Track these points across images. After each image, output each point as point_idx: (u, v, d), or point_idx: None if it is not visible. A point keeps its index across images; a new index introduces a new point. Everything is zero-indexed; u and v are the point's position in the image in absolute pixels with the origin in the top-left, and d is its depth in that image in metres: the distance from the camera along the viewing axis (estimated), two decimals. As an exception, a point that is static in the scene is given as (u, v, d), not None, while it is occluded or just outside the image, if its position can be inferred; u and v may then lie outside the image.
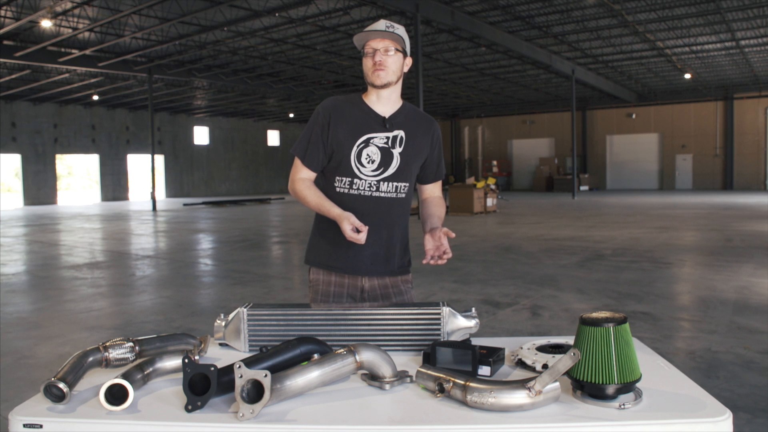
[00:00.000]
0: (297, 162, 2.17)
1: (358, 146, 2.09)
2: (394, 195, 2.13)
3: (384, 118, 2.12)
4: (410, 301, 2.25)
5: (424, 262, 2.06)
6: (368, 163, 2.10)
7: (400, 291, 2.22)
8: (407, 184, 2.16)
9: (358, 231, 1.98)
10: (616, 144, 34.40)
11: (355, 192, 2.10)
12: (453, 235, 2.05)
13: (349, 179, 2.10)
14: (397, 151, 2.11)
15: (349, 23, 17.16)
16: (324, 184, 2.18)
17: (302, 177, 2.15)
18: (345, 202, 2.09)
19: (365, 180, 2.10)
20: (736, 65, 24.65)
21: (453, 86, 28.72)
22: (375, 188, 2.11)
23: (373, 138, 2.10)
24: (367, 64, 2.09)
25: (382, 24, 2.08)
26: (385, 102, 2.14)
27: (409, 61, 2.15)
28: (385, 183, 2.11)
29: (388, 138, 2.11)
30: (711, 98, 30.84)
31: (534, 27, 18.52)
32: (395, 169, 2.11)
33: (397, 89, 2.15)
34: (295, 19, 16.39)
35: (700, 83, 29.04)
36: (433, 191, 2.32)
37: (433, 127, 2.23)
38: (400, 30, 2.09)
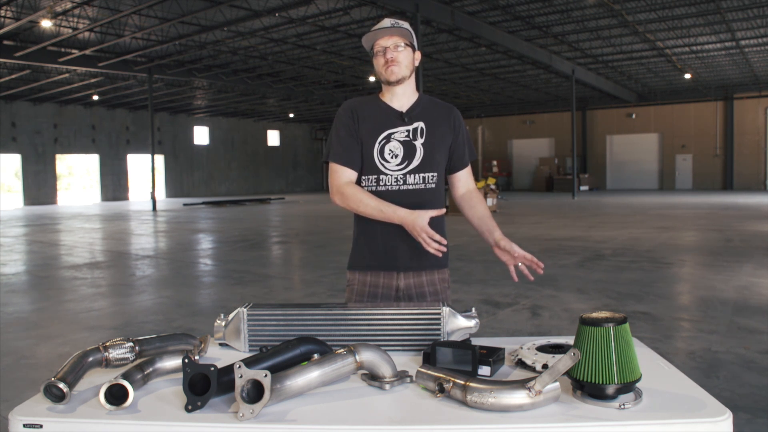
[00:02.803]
0: (335, 167, 2.10)
1: (379, 143, 2.10)
2: (422, 186, 2.11)
3: (402, 112, 2.13)
4: (446, 301, 2.22)
5: (516, 278, 2.12)
6: (392, 158, 2.09)
7: (436, 291, 2.19)
8: (435, 174, 2.14)
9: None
10: (616, 144, 34.40)
11: (383, 188, 2.09)
12: (541, 267, 2.05)
13: (375, 176, 2.10)
14: (419, 143, 2.11)
15: (349, 23, 17.16)
16: None
17: (347, 181, 2.09)
18: None
19: (391, 175, 2.09)
20: (736, 65, 24.65)
21: (453, 86, 28.72)
22: (402, 182, 2.09)
23: (393, 133, 2.11)
24: (379, 62, 2.09)
25: (387, 22, 2.09)
26: (401, 97, 2.14)
27: (418, 55, 2.15)
28: (412, 175, 2.10)
29: (408, 131, 2.11)
30: (711, 98, 30.84)
31: (534, 27, 18.52)
32: (420, 160, 2.10)
33: (411, 83, 2.15)
34: (295, 19, 16.39)
35: (700, 83, 29.04)
36: (467, 184, 2.27)
37: (453, 113, 2.21)
38: (406, 25, 2.11)
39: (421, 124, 2.12)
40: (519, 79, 27.24)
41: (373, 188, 2.10)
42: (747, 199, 22.64)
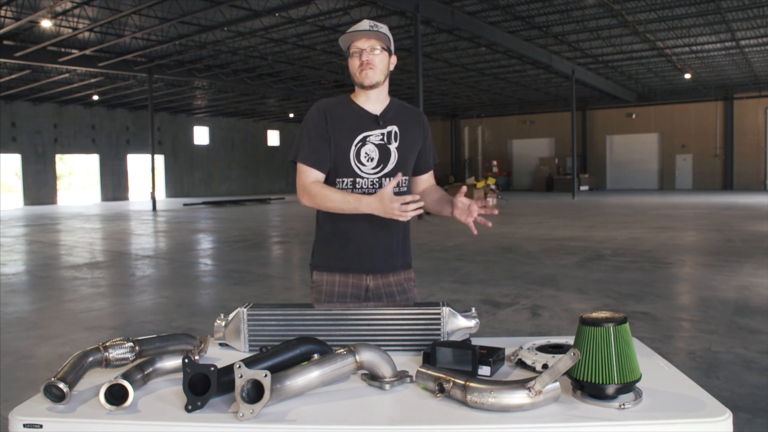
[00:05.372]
0: (302, 168, 2.11)
1: (356, 146, 2.10)
2: (396, 189, 2.14)
3: (376, 116, 2.14)
4: (413, 299, 2.26)
5: (475, 231, 2.04)
6: (368, 161, 2.11)
7: (404, 289, 2.24)
8: (407, 177, 2.19)
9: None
10: (616, 144, 34.40)
11: (359, 191, 2.10)
12: (495, 212, 2.00)
13: (351, 179, 2.11)
14: (393, 147, 2.14)
15: (349, 23, 17.13)
16: None
17: (314, 180, 2.10)
18: None
19: (367, 178, 2.11)
20: (736, 65, 24.64)
21: (453, 86, 28.71)
22: (378, 185, 2.11)
23: (369, 136, 2.12)
24: (354, 64, 2.10)
25: (365, 24, 2.09)
26: (374, 101, 2.15)
27: (394, 59, 2.16)
28: (387, 179, 2.12)
29: (383, 134, 2.13)
30: (711, 98, 30.83)
31: (534, 27, 18.52)
32: (394, 164, 2.13)
33: (384, 88, 2.16)
34: (295, 19, 16.39)
35: (700, 83, 29.03)
36: (429, 182, 2.34)
37: (422, 118, 2.27)
38: (384, 29, 2.11)
39: (394, 128, 2.15)
40: (519, 79, 27.24)
41: (349, 191, 2.11)
42: (747, 199, 22.64)
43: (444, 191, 2.27)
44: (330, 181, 2.14)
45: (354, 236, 2.13)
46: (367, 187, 2.11)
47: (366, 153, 2.11)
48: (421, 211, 1.91)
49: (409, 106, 2.27)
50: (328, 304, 2.15)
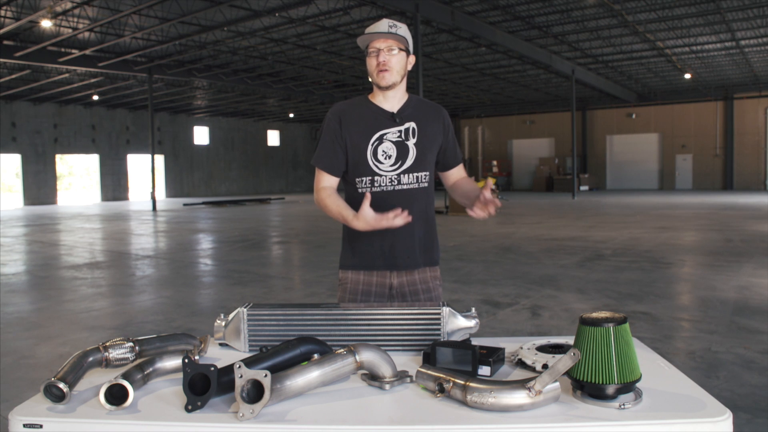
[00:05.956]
0: (317, 171, 2.18)
1: (372, 144, 2.12)
2: (416, 185, 2.15)
3: (393, 113, 2.15)
4: (438, 299, 2.25)
5: (472, 212, 2.02)
6: (385, 159, 2.12)
7: (429, 288, 2.24)
8: (427, 173, 2.18)
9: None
10: (616, 144, 34.40)
11: (378, 189, 2.12)
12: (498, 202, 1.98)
13: (370, 178, 2.12)
14: (411, 143, 2.14)
15: (349, 23, 17.16)
16: (345, 187, 2.21)
17: (324, 186, 2.15)
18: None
19: (385, 176, 2.12)
20: (736, 65, 24.64)
21: (453, 86, 28.71)
22: (396, 182, 2.12)
23: (386, 134, 2.13)
24: (372, 63, 2.11)
25: (384, 24, 2.09)
26: (392, 99, 2.16)
27: (412, 59, 2.17)
28: (406, 175, 2.13)
29: (400, 131, 2.14)
30: (711, 98, 30.83)
31: (534, 27, 18.52)
32: (413, 160, 2.14)
33: (402, 87, 2.17)
34: (295, 19, 16.39)
35: (700, 83, 29.03)
36: (459, 174, 2.32)
37: (442, 113, 2.25)
38: (403, 29, 2.11)
39: (412, 125, 2.15)
40: (519, 79, 27.23)
41: (368, 189, 2.12)
42: (747, 199, 22.64)
43: (475, 184, 2.23)
44: (351, 182, 2.17)
45: (377, 234, 2.12)
46: (386, 185, 2.12)
47: (383, 151, 2.12)
48: (401, 223, 1.92)
49: (429, 101, 2.26)
50: (330, 303, 2.15)
